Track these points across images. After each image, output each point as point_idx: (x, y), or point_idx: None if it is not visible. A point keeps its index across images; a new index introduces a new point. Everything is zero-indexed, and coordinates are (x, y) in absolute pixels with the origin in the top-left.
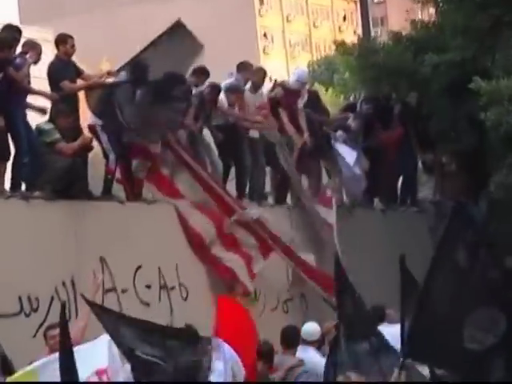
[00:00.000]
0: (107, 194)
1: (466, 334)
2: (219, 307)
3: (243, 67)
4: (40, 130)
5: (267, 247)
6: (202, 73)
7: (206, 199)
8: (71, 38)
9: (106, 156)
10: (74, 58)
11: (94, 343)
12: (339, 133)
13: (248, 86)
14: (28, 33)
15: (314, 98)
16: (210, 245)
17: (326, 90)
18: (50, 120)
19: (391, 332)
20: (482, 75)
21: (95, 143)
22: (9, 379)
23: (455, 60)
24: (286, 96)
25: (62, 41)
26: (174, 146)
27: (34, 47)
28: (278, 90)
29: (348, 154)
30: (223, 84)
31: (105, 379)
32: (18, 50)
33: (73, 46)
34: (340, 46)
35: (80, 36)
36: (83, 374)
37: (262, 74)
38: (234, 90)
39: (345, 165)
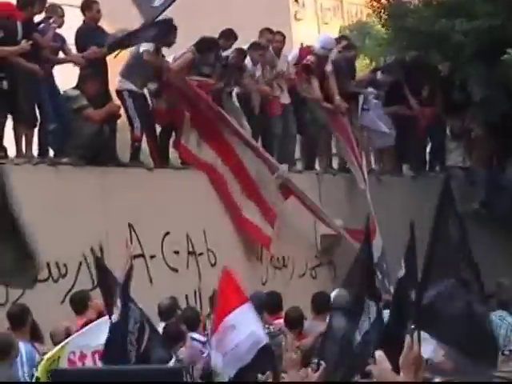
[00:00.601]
0: (135, 160)
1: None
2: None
3: (264, 33)
4: (67, 97)
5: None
6: (230, 36)
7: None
8: (96, 3)
9: (131, 123)
10: (102, 23)
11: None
12: (370, 89)
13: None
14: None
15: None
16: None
17: (358, 56)
18: (77, 86)
19: None
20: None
21: (123, 110)
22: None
23: (483, 27)
24: (316, 63)
25: (87, 7)
26: (204, 108)
27: (55, 11)
28: (311, 57)
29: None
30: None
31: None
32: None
33: (98, 11)
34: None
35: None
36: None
37: (281, 39)
38: (257, 48)
39: (372, 121)
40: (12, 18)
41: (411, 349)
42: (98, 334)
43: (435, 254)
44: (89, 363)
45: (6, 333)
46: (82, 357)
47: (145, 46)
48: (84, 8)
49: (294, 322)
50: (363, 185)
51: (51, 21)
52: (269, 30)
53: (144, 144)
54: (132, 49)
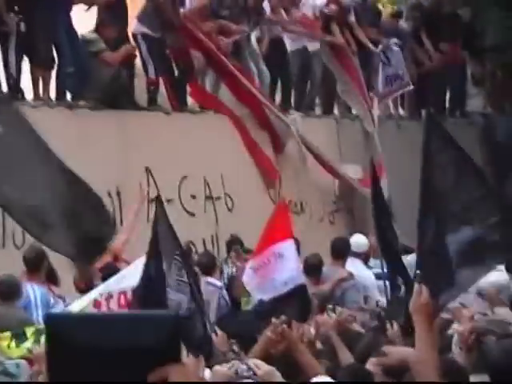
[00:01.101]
0: (153, 104)
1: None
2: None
3: None
4: (85, 40)
5: None
6: None
7: (248, 113)
8: None
9: (145, 66)
10: None
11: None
12: (393, 39)
13: None
14: None
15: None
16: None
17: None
18: (96, 29)
19: None
20: None
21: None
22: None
23: None
24: (339, 12)
25: None
26: (217, 54)
27: None
28: (333, 6)
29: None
30: None
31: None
32: None
33: None
34: None
35: None
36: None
37: None
38: None
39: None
40: None
41: (420, 294)
42: (130, 275)
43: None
44: (114, 306)
45: (9, 275)
46: (108, 298)
47: None
48: None
49: (312, 268)
50: (371, 128)
51: None
52: None
53: (162, 88)
54: None
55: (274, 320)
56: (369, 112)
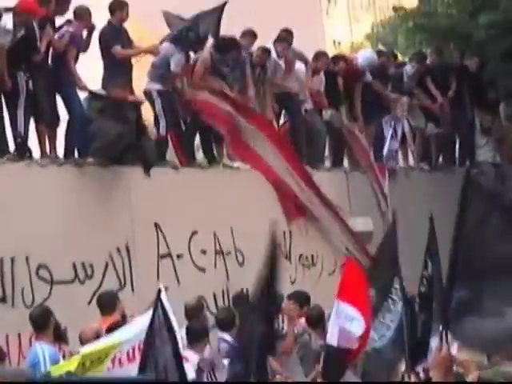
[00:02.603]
0: (162, 159)
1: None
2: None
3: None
4: (92, 96)
5: None
6: (251, 35)
7: (283, 165)
8: (127, 4)
9: (156, 121)
10: (130, 25)
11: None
12: (404, 98)
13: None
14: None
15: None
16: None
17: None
18: (103, 86)
19: None
20: None
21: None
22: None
23: (509, 19)
24: (346, 71)
25: (119, 7)
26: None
27: (81, 16)
28: (342, 64)
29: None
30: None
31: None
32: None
33: (127, 13)
34: (399, 11)
35: (137, 2)
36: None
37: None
38: (282, 40)
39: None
40: (32, 16)
41: (440, 350)
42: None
43: (462, 254)
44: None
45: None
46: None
47: (174, 56)
48: (115, 8)
49: (316, 321)
50: (384, 207)
51: (71, 25)
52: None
53: (170, 143)
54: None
55: None
56: (381, 194)
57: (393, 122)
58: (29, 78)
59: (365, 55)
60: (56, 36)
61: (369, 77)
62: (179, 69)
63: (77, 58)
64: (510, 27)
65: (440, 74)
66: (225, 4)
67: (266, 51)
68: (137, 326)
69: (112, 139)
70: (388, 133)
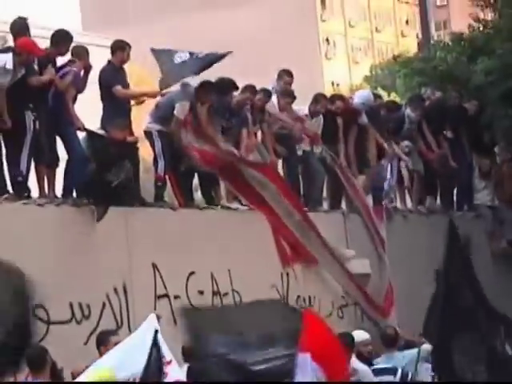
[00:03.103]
0: (160, 200)
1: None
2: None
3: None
4: (91, 136)
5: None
6: (251, 90)
7: (289, 209)
8: (129, 46)
9: (155, 162)
10: (135, 65)
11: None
12: (406, 142)
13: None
14: (89, 40)
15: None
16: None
17: (389, 95)
18: (101, 126)
19: None
20: None
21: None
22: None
23: (507, 63)
24: (344, 110)
25: (121, 48)
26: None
27: (79, 55)
28: (338, 103)
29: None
30: (276, 87)
31: None
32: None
33: (128, 54)
34: (398, 58)
35: (141, 43)
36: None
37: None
38: (287, 95)
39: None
40: (32, 56)
41: None
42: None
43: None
44: None
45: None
46: None
47: (181, 102)
48: (117, 48)
49: None
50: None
51: (74, 64)
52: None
53: (168, 183)
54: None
55: None
56: (377, 237)
57: (389, 165)
58: (36, 118)
59: (361, 94)
60: (58, 75)
61: (364, 119)
62: (183, 116)
63: (75, 99)
64: (506, 73)
65: (438, 116)
66: (227, 54)
67: (267, 93)
68: (129, 353)
69: (109, 180)
70: (386, 175)
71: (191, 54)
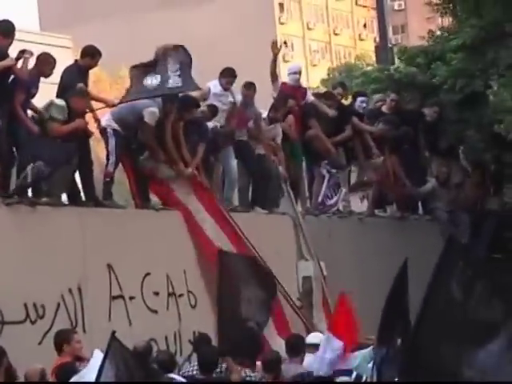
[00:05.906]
0: (108, 197)
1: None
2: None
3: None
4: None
5: None
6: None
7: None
8: (100, 54)
9: (107, 158)
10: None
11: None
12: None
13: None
14: (47, 40)
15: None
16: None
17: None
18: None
19: None
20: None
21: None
22: None
23: (461, 69)
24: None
25: (91, 55)
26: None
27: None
28: (291, 102)
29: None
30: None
31: None
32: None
33: (97, 62)
34: (359, 59)
35: (99, 42)
36: None
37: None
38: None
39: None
40: None
41: None
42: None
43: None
44: None
45: None
46: None
47: (150, 108)
48: (87, 53)
49: (271, 365)
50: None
51: (27, 55)
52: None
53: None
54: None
55: None
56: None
57: (328, 167)
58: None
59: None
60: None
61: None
62: (153, 122)
63: (28, 102)
64: (461, 78)
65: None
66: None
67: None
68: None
69: (65, 178)
70: (325, 178)
71: (162, 82)
